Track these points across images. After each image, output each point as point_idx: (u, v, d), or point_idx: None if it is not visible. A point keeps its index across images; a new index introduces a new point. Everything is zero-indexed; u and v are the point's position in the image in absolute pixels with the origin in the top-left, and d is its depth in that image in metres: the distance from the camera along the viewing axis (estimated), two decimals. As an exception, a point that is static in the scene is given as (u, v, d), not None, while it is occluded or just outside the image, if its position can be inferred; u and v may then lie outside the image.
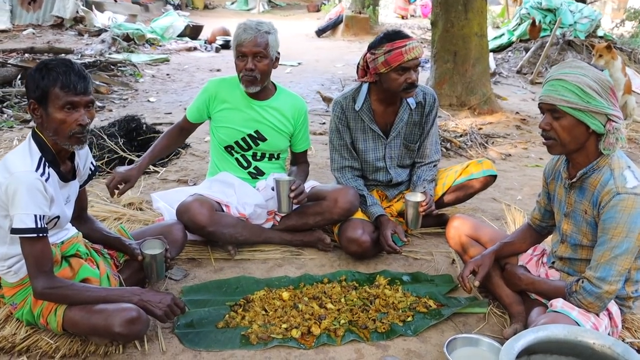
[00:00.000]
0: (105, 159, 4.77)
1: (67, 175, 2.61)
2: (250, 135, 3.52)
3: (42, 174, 2.42)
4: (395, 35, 3.32)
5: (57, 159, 2.53)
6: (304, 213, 3.50)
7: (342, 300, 3.01)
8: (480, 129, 6.87)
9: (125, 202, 4.02)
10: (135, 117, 5.30)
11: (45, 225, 2.42)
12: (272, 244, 3.55)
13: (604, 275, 2.39)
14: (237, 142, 3.52)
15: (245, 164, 3.59)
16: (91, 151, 4.78)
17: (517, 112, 7.88)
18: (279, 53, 3.46)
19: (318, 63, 12.04)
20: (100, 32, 13.25)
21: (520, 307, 2.88)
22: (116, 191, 3.24)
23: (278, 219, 3.54)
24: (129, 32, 12.77)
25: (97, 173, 2.95)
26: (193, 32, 14.73)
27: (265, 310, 2.90)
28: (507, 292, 2.94)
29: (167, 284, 3.14)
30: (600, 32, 12.27)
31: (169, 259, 2.90)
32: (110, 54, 11.02)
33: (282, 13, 24.33)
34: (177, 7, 20.82)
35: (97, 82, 8.32)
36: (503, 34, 12.63)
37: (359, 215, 3.52)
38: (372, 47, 3.40)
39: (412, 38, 3.32)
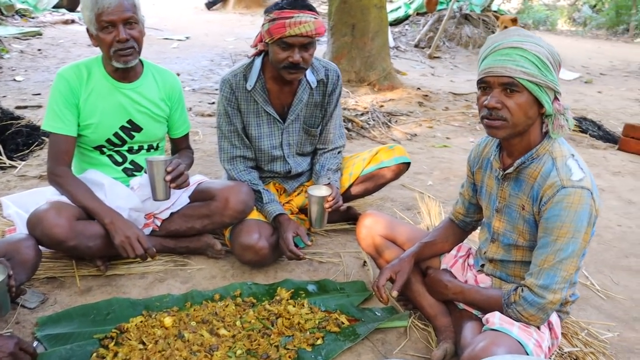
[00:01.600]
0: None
1: None
2: (123, 128, 2.90)
3: None
4: (289, 4, 2.80)
5: None
6: (190, 215, 2.94)
7: (238, 323, 2.49)
8: (381, 106, 6.52)
9: (-32, 206, 3.30)
10: (-13, 101, 4.51)
11: None
12: (152, 253, 2.94)
13: (547, 283, 2.01)
14: (108, 140, 2.89)
15: (120, 160, 2.96)
16: None
17: (419, 88, 7.62)
18: (144, 18, 2.87)
19: (207, 37, 11.36)
20: (-41, 1, 11.90)
21: (447, 320, 2.49)
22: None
23: (158, 223, 2.95)
24: (-5, 2, 11.53)
25: None
26: (70, 2, 13.60)
27: (144, 343, 2.33)
28: (431, 302, 2.53)
29: (17, 314, 2.50)
30: (494, 7, 12.25)
31: (15, 287, 2.27)
32: (-29, 26, 9.86)
33: (169, -15, 23.21)
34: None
35: (-48, 59, 7.31)
36: (400, 7, 12.38)
37: (254, 215, 3.00)
38: (266, 12, 2.90)
39: (308, 11, 2.79)
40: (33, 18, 12.14)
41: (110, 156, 2.94)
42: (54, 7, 13.36)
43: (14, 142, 4.32)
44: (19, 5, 12.29)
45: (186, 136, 3.18)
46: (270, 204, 3.02)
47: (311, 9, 2.82)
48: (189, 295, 2.70)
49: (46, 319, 2.48)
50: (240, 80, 3.06)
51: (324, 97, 3.17)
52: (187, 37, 11.14)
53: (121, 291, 2.73)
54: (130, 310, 2.57)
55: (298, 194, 3.31)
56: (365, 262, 3.10)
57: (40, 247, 2.57)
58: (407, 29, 11.75)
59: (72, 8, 13.57)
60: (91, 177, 2.87)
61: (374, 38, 7.37)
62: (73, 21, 12.41)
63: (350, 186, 3.29)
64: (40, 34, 10.44)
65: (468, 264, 2.55)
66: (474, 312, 2.38)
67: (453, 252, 2.60)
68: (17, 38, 9.81)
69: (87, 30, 2.79)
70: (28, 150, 4.33)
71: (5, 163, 4.09)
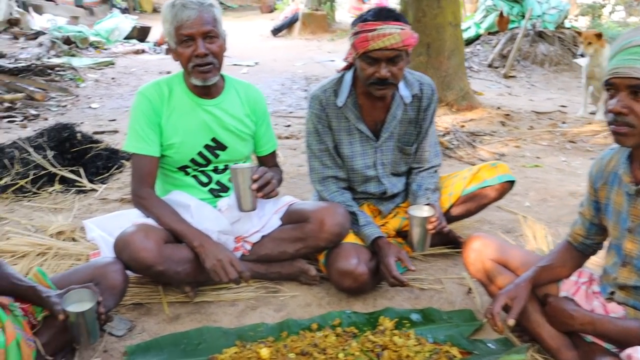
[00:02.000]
0: (31, 177, 3.92)
1: None
2: (207, 147, 2.74)
3: None
4: (373, 15, 2.61)
5: None
6: (282, 239, 2.74)
7: (341, 355, 2.25)
8: (462, 126, 6.25)
9: (52, 231, 3.19)
10: (67, 125, 4.43)
11: None
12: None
13: None
14: (192, 160, 2.74)
15: (205, 180, 2.80)
16: (12, 167, 4.03)
17: (499, 108, 7.30)
18: (225, 33, 2.72)
19: (276, 62, 11.32)
20: (37, 35, 12.19)
21: (572, 354, 2.20)
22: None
23: (248, 247, 2.76)
24: (70, 34, 11.79)
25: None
26: (141, 33, 13.83)
27: (239, 377, 2.14)
28: (552, 333, 2.25)
29: (105, 342, 2.34)
30: (567, 24, 11.84)
31: (104, 314, 2.10)
32: (49, 58, 10.05)
33: (234, 15, 23.48)
34: (124, 11, 19.78)
35: (32, 88, 7.43)
36: (470, 27, 12.05)
37: (351, 238, 2.78)
38: (352, 24, 2.73)
39: (394, 22, 2.58)
40: (106, 49, 12.36)
41: (195, 177, 2.79)
42: (125, 38, 13.60)
43: (94, 166, 4.24)
44: (92, 38, 12.55)
45: (273, 154, 3.00)
46: (367, 226, 2.79)
47: (397, 19, 2.61)
48: (284, 324, 2.49)
49: (135, 347, 2.32)
50: (330, 96, 2.87)
51: (418, 113, 2.94)
52: (256, 63, 11.12)
53: (211, 319, 2.54)
54: (222, 340, 2.38)
55: (394, 216, 3.08)
56: (470, 289, 2.83)
57: (127, 271, 2.41)
58: (478, 49, 11.43)
59: (142, 39, 13.80)
60: (177, 199, 2.72)
61: (450, 57, 7.11)
62: (143, 51, 12.58)
63: (451, 207, 3.04)
64: (113, 64, 10.59)
65: (593, 292, 2.26)
66: (606, 345, 2.09)
67: (573, 278, 2.32)
68: (92, 68, 9.96)
69: (168, 44, 2.66)
70: (108, 174, 4.24)
71: (86, 186, 4.00)
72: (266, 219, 2.78)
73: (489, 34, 11.84)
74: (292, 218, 2.77)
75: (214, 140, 2.73)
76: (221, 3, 25.25)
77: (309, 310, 2.64)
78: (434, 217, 2.68)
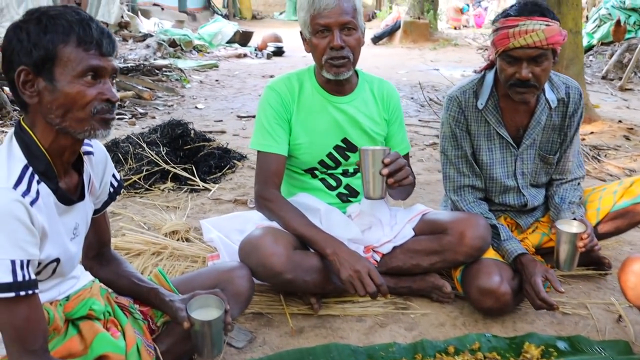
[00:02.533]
0: (144, 172, 3.84)
1: (71, 195, 1.67)
2: (337, 147, 2.54)
3: (26, 193, 1.48)
4: (516, 10, 2.36)
5: (53, 168, 1.59)
6: (415, 251, 2.49)
7: (485, 385, 2.00)
8: (583, 139, 5.82)
9: (166, 229, 3.06)
10: (181, 122, 4.37)
11: (33, 277, 1.50)
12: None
13: None
14: (321, 161, 2.54)
15: (334, 184, 2.60)
16: (126, 162, 3.97)
17: (620, 121, 6.80)
18: (364, 25, 2.50)
19: (378, 70, 11.08)
20: (145, 37, 12.52)
21: None
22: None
23: (377, 257, 2.53)
24: (176, 37, 12.02)
25: (121, 190, 2.00)
26: (243, 38, 13.96)
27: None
28: None
29: (225, 353, 2.16)
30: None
31: (230, 325, 1.92)
32: (155, 59, 10.24)
33: (333, 22, 23.50)
34: (225, 17, 20.13)
35: (140, 87, 7.54)
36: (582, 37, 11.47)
37: (491, 254, 2.51)
38: (493, 21, 2.49)
39: (539, 17, 2.31)
40: (208, 53, 12.54)
41: (323, 180, 2.59)
42: (228, 42, 13.75)
43: (207, 164, 4.13)
44: (196, 42, 12.75)
45: (406, 157, 2.71)
46: (509, 241, 2.52)
47: (544, 14, 2.33)
48: (418, 345, 2.25)
49: (257, 362, 2.13)
50: (470, 98, 2.61)
51: (563, 119, 2.65)
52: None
53: (338, 335, 2.33)
54: (351, 358, 2.16)
55: (533, 231, 2.78)
56: (620, 316, 2.51)
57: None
58: (591, 60, 10.84)
59: (244, 43, 13.91)
60: (305, 202, 2.52)
61: (569, 66, 6.68)
62: (245, 55, 12.68)
63: (598, 224, 2.71)
64: (217, 66, 10.68)
65: None
66: None
67: None
68: (196, 70, 10.06)
69: (301, 33, 2.47)
70: (220, 173, 4.12)
71: (199, 185, 3.89)
72: (398, 228, 2.55)
73: (603, 44, 11.24)
74: (427, 228, 2.52)
75: (344, 140, 2.53)
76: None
77: (443, 331, 2.39)
78: (586, 233, 2.39)
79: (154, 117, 6.50)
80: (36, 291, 1.51)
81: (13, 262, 1.44)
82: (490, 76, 2.62)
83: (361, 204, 2.57)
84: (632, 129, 6.49)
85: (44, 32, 1.49)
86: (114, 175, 1.93)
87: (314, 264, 2.30)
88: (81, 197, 1.72)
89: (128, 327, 1.85)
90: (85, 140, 1.73)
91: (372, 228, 2.52)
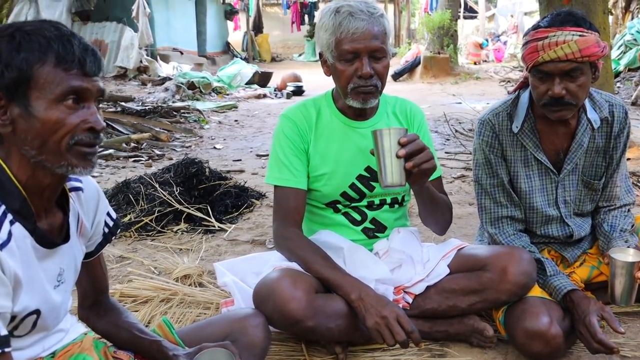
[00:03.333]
0: (156, 214, 3.62)
1: (52, 237, 1.44)
2: (360, 177, 2.29)
3: None
4: (549, 20, 2.14)
5: (29, 206, 1.36)
6: (451, 290, 2.21)
7: None
8: (622, 166, 5.54)
9: (177, 274, 2.82)
10: (195, 160, 4.16)
11: (3, 333, 1.26)
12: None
13: None
14: (344, 193, 2.30)
15: (358, 218, 2.34)
16: (137, 204, 3.75)
17: (656, 147, 6.50)
18: (393, 50, 2.27)
19: (399, 106, 10.91)
20: (164, 80, 12.50)
21: None
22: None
23: (409, 299, 2.26)
24: (195, 80, 11.96)
25: (118, 231, 1.77)
26: (262, 79, 13.88)
27: None
28: None
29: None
30: None
31: (242, 382, 1.66)
32: (173, 102, 10.16)
33: (352, 61, 23.53)
34: (244, 60, 20.21)
35: (157, 129, 7.40)
36: (608, 64, 11.25)
37: (536, 291, 2.22)
38: (524, 35, 2.26)
39: (573, 27, 2.07)
40: (228, 94, 12.46)
41: (346, 214, 2.33)
42: (247, 83, 13.69)
43: (223, 204, 3.91)
44: (215, 84, 12.70)
45: (439, 181, 2.41)
46: (556, 276, 2.24)
47: (578, 24, 2.09)
48: (459, 399, 1.96)
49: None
50: (504, 121, 2.36)
51: (608, 140, 2.38)
52: (379, 106, 10.79)
53: (367, 389, 2.05)
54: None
55: (580, 265, 2.50)
56: (688, 359, 2.20)
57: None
58: (619, 87, 10.57)
59: (263, 84, 13.85)
60: (326, 240, 2.27)
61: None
62: (265, 95, 12.59)
63: (655, 255, 2.42)
64: (236, 107, 10.59)
65: None
66: None
67: None
68: (215, 111, 9.96)
69: (320, 55, 2.24)
70: (237, 213, 3.89)
71: (214, 226, 3.66)
72: (432, 265, 2.27)
73: (630, 70, 10.99)
74: (464, 265, 2.24)
75: (368, 169, 2.28)
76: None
77: (486, 381, 2.10)
78: None
79: (171, 159, 6.33)
80: (7, 350, 1.26)
81: None
82: (525, 96, 2.38)
83: (390, 239, 2.31)
84: (669, 155, 6.20)
85: (17, 50, 1.29)
86: (108, 214, 1.70)
87: (339, 308, 2.03)
88: (66, 239, 1.49)
89: (125, 387, 1.62)
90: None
91: (403, 266, 2.25)
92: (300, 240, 2.18)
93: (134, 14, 13.71)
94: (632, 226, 2.43)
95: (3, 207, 1.31)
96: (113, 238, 1.78)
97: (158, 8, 16.07)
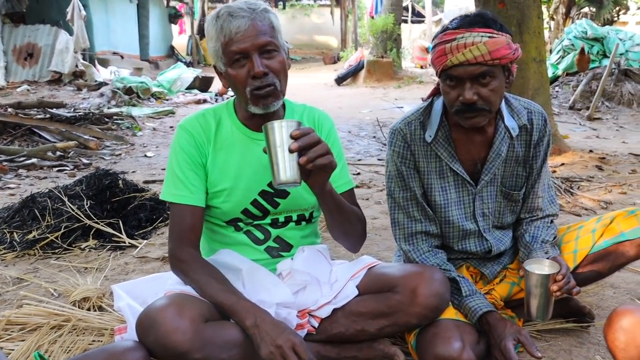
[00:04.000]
0: (62, 230, 3.38)
1: None
2: (263, 193, 2.12)
3: None
4: (458, 22, 2.02)
5: None
6: (360, 313, 2.06)
7: None
8: (554, 171, 5.52)
9: (76, 297, 2.61)
10: (109, 172, 3.93)
11: None
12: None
13: None
14: (245, 210, 2.13)
15: (261, 237, 2.17)
16: (43, 220, 3.51)
17: (591, 151, 6.55)
18: (287, 44, 2.10)
19: (341, 110, 10.84)
20: (100, 85, 12.16)
21: None
22: None
23: (315, 323, 2.10)
24: (133, 85, 11.63)
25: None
26: (203, 84, 13.65)
27: None
28: None
29: None
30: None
31: None
32: (109, 108, 9.84)
33: (298, 66, 23.43)
34: (189, 64, 19.87)
35: (86, 137, 7.12)
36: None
37: (450, 313, 2.09)
38: (433, 38, 2.12)
39: (481, 28, 1.96)
40: (167, 100, 12.20)
41: (248, 232, 2.16)
42: (187, 88, 13.43)
43: (136, 218, 3.69)
44: (154, 89, 12.41)
45: (350, 194, 2.25)
46: (472, 297, 2.12)
47: (488, 24, 1.98)
48: None
49: None
50: (416, 130, 2.23)
51: (527, 148, 2.27)
52: (321, 110, 10.69)
53: None
54: None
55: (500, 281, 2.38)
56: (612, 382, 2.10)
57: (153, 360, 1.78)
58: (557, 91, 10.69)
59: (204, 89, 13.62)
60: (224, 260, 2.10)
61: (535, 96, 6.41)
62: (205, 100, 12.36)
63: (576, 269, 2.31)
64: (173, 113, 10.34)
65: None
66: None
67: None
68: (151, 117, 9.71)
69: (215, 68, 2.07)
70: (151, 227, 3.67)
71: (124, 242, 3.44)
72: (339, 286, 2.11)
73: (568, 74, 11.15)
74: (374, 285, 2.08)
75: (272, 185, 2.11)
76: (285, 55, 25.40)
77: (396, 412, 1.96)
78: (560, 274, 2.00)
79: (98, 168, 6.07)
80: None
81: None
82: (438, 103, 2.25)
83: (294, 259, 2.14)
84: (604, 158, 6.24)
85: None
86: None
87: (232, 337, 1.85)
88: None
89: None
90: None
91: (308, 288, 2.09)
92: (195, 262, 2.01)
93: (68, 16, 13.28)
94: (554, 238, 2.32)
95: None
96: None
97: (97, 11, 15.68)
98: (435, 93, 2.28)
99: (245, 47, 1.92)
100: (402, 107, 10.49)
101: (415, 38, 25.62)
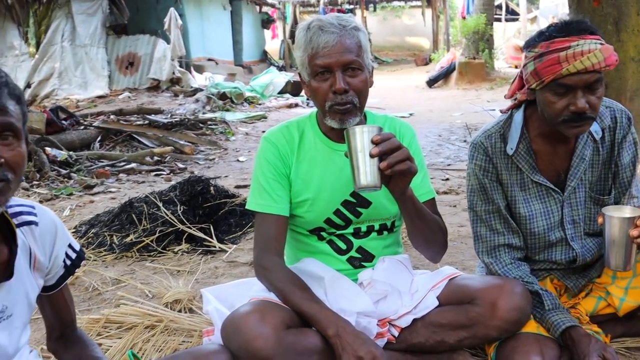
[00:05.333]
0: (157, 234, 3.56)
1: None
2: (346, 203, 2.16)
3: None
4: (559, 30, 1.95)
5: None
6: (439, 324, 2.07)
7: None
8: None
9: (168, 299, 2.74)
10: (202, 178, 4.09)
11: None
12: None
13: None
14: (328, 220, 2.18)
15: (344, 247, 2.22)
16: (140, 224, 3.70)
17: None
18: (374, 62, 2.14)
19: (432, 113, 10.74)
20: (195, 91, 12.59)
21: None
22: None
23: (395, 332, 2.12)
24: (226, 90, 12.00)
25: (81, 263, 1.72)
26: (295, 88, 13.84)
27: None
28: None
29: None
30: None
31: None
32: (204, 113, 10.18)
33: (389, 68, 23.38)
34: (281, 69, 20.22)
35: (182, 142, 7.39)
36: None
37: (532, 327, 2.06)
38: (527, 46, 2.06)
39: (590, 35, 1.91)
40: (260, 104, 12.48)
41: (330, 242, 2.21)
42: (279, 93, 13.68)
43: (226, 223, 3.83)
44: (247, 94, 12.72)
45: (432, 203, 2.24)
46: (555, 311, 2.08)
47: (593, 32, 1.92)
48: None
49: None
50: (497, 143, 2.20)
51: (612, 150, 2.20)
52: (411, 114, 10.62)
53: None
54: None
55: (586, 295, 2.32)
56: None
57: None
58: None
59: (296, 93, 13.81)
60: (307, 269, 2.15)
61: (633, 98, 6.13)
62: (297, 105, 12.55)
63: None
64: (266, 117, 10.56)
65: None
66: None
67: None
68: (244, 122, 9.95)
69: (299, 75, 2.14)
70: (241, 232, 3.80)
71: (215, 246, 3.57)
72: (419, 296, 2.13)
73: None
74: (454, 297, 2.09)
75: (354, 194, 2.14)
76: (376, 58, 25.34)
77: (476, 423, 1.96)
78: None
79: (192, 172, 6.31)
80: None
81: None
82: (518, 116, 2.20)
83: (375, 269, 2.18)
84: None
85: None
86: (70, 246, 1.66)
87: (313, 345, 1.91)
88: (9, 276, 1.43)
89: None
90: (27, 208, 1.48)
91: (388, 297, 2.12)
92: (279, 271, 2.07)
93: (166, 26, 13.83)
94: None
95: None
96: (76, 270, 1.72)
97: (192, 19, 16.21)
98: (515, 107, 2.25)
99: (330, 62, 1.97)
100: (493, 110, 10.31)
101: (510, 37, 25.00)
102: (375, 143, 1.75)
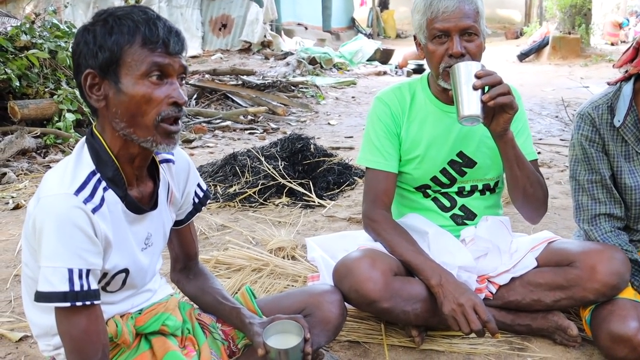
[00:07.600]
0: (259, 186, 3.75)
1: (142, 204, 1.57)
2: (452, 162, 2.26)
3: (89, 200, 1.39)
4: None
5: (121, 175, 1.50)
6: (537, 284, 2.15)
7: None
8: None
9: (272, 246, 2.92)
10: (302, 136, 4.25)
11: (94, 287, 1.41)
12: (482, 328, 2.20)
13: None
14: (434, 178, 2.29)
15: (448, 204, 2.33)
16: (243, 176, 3.90)
17: None
18: (487, 30, 2.20)
19: (522, 87, 10.52)
20: (286, 55, 12.78)
21: None
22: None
23: (493, 289, 2.23)
24: (316, 55, 12.15)
25: (207, 201, 1.88)
26: (383, 56, 13.86)
27: None
28: None
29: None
30: None
31: (310, 355, 1.71)
32: (294, 76, 10.35)
33: (479, 41, 22.85)
34: (369, 36, 20.15)
35: (275, 103, 7.59)
36: None
37: (629, 293, 2.11)
38: None
39: None
40: (348, 71, 12.56)
41: (435, 199, 2.32)
42: (368, 60, 13.71)
43: (325, 180, 3.98)
44: (336, 60, 12.81)
45: (533, 164, 2.27)
46: (653, 279, 2.13)
47: None
48: (535, 395, 1.93)
49: (347, 399, 1.91)
50: (604, 114, 2.22)
51: None
52: (500, 87, 10.47)
53: (440, 374, 2.06)
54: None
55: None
56: None
57: (346, 304, 2.01)
58: None
59: (384, 61, 13.82)
60: (412, 223, 2.28)
61: None
62: (385, 72, 12.58)
63: None
64: (355, 84, 10.64)
65: None
66: None
67: None
68: (334, 87, 10.08)
69: (415, 38, 2.23)
70: (338, 190, 3.95)
71: (314, 201, 3.74)
72: (519, 256, 2.22)
73: None
74: (552, 259, 2.17)
75: (460, 154, 2.25)
76: (465, 29, 24.85)
77: (566, 381, 2.05)
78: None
79: (285, 133, 6.50)
80: (96, 302, 1.41)
81: (70, 271, 1.36)
82: (627, 88, 2.22)
83: (477, 227, 2.27)
84: None
85: (109, 33, 1.41)
86: (199, 185, 1.83)
87: (417, 292, 2.04)
88: (154, 206, 1.61)
89: (205, 347, 1.74)
90: None
91: (488, 255, 2.22)
92: (387, 223, 2.20)
93: (260, -11, 14.06)
94: None
95: (98, 175, 1.45)
96: (203, 208, 1.90)
97: (284, -17, 16.37)
98: (624, 79, 2.27)
99: (449, 26, 2.05)
100: (588, 87, 10.05)
101: (607, 12, 23.98)
102: (478, 77, 1.86)
